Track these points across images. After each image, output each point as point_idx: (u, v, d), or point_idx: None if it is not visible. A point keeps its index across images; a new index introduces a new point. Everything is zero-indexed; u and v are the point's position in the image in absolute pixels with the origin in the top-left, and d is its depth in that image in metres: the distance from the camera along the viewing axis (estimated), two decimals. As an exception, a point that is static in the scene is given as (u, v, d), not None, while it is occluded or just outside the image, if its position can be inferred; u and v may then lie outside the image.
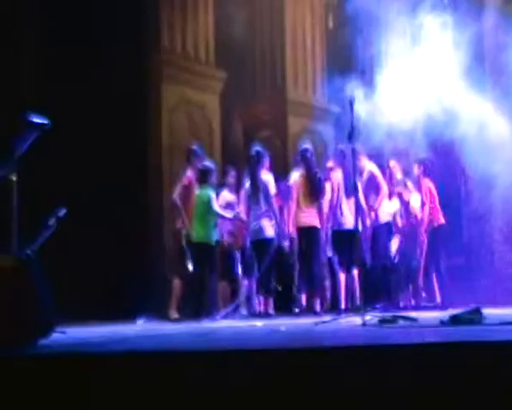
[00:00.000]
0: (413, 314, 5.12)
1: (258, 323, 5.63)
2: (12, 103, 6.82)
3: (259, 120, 10.77)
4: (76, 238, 7.12)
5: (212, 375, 2.52)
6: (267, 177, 6.88)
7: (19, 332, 3.13)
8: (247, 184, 6.92)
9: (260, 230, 6.77)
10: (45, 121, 3.77)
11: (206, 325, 5.90)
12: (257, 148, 7.04)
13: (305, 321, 5.60)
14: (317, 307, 6.82)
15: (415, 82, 7.80)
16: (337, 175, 7.03)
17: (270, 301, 6.92)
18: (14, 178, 3.59)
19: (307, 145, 7.25)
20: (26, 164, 3.81)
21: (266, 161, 6.98)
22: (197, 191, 6.83)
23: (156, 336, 4.32)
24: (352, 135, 5.00)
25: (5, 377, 2.59)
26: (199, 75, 9.63)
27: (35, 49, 8.38)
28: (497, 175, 8.92)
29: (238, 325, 5.81)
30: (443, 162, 9.74)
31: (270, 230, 6.80)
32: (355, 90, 7.02)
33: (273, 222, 6.79)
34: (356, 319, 4.59)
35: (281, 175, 9.29)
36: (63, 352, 3.10)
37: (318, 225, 6.89)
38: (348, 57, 12.37)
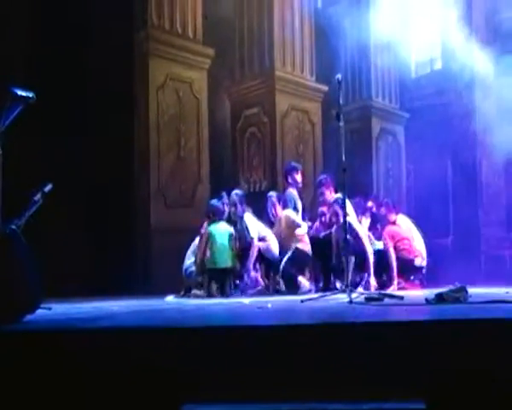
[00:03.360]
0: (400, 292, 5.16)
1: (245, 300, 5.65)
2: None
3: (247, 98, 10.70)
4: (61, 213, 7.05)
5: (198, 352, 2.53)
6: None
7: (4, 308, 3.10)
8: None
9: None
10: (30, 94, 3.71)
11: (194, 301, 5.93)
12: None
13: (292, 298, 5.63)
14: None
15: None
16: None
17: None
18: (-1, 152, 3.53)
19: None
20: (12, 138, 3.75)
21: None
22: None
23: (141, 313, 4.31)
24: (339, 114, 5.01)
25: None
26: (187, 52, 9.53)
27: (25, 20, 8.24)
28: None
29: (225, 301, 5.82)
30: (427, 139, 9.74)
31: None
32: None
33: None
34: (343, 297, 4.61)
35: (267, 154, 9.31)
36: (49, 328, 3.09)
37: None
38: (336, 36, 12.36)
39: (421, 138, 11.21)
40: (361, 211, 7.71)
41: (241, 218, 7.22)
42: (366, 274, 7.12)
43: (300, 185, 7.79)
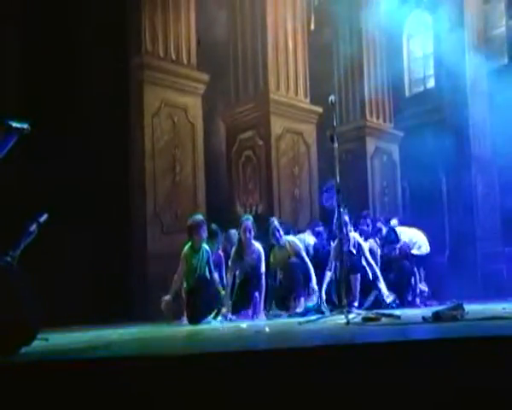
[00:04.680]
0: (397, 312, 5.16)
1: (243, 324, 5.64)
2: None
3: (242, 122, 10.76)
4: (56, 240, 7.04)
5: (197, 377, 2.52)
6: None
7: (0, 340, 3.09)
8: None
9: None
10: (25, 126, 3.74)
11: (190, 327, 5.90)
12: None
13: (289, 321, 5.62)
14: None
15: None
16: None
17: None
18: (-7, 184, 3.55)
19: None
20: (7, 167, 3.77)
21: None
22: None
23: (139, 340, 4.31)
24: (333, 136, 5.06)
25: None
26: (181, 78, 9.59)
27: (18, 48, 8.30)
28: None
29: (222, 326, 5.81)
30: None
31: None
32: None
33: None
34: (340, 318, 4.61)
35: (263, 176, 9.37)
36: (46, 359, 3.08)
37: None
38: (330, 57, 12.49)
39: (416, 156, 11.27)
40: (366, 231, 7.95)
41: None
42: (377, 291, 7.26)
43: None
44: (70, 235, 7.57)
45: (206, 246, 6.87)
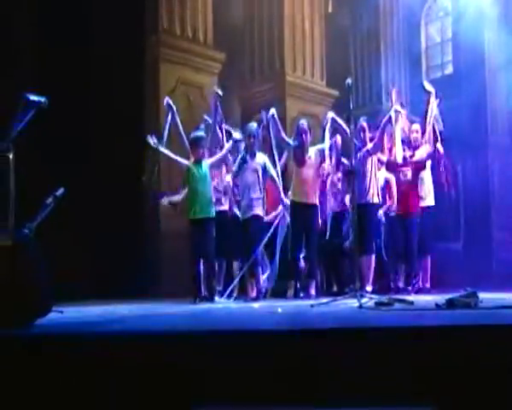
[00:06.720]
0: (409, 297, 5.15)
1: (255, 304, 5.64)
2: (9, 79, 6.78)
3: (257, 102, 10.70)
4: (71, 216, 7.08)
5: (208, 356, 2.53)
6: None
7: (16, 312, 3.12)
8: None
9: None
10: (42, 99, 3.75)
11: (202, 305, 5.91)
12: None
13: (302, 303, 5.62)
14: (312, 291, 6.84)
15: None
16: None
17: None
18: (11, 156, 3.57)
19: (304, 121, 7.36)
20: (24, 141, 3.79)
21: None
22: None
23: (152, 317, 4.33)
24: (349, 118, 5.05)
25: (2, 357, 2.59)
26: (197, 57, 9.56)
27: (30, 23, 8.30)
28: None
29: (234, 306, 5.82)
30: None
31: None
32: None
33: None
34: (352, 302, 4.61)
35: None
36: (60, 331, 3.11)
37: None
38: (346, 40, 12.39)
39: (433, 141, 11.17)
40: None
41: None
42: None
43: None
44: (84, 211, 7.61)
45: (207, 161, 6.75)
